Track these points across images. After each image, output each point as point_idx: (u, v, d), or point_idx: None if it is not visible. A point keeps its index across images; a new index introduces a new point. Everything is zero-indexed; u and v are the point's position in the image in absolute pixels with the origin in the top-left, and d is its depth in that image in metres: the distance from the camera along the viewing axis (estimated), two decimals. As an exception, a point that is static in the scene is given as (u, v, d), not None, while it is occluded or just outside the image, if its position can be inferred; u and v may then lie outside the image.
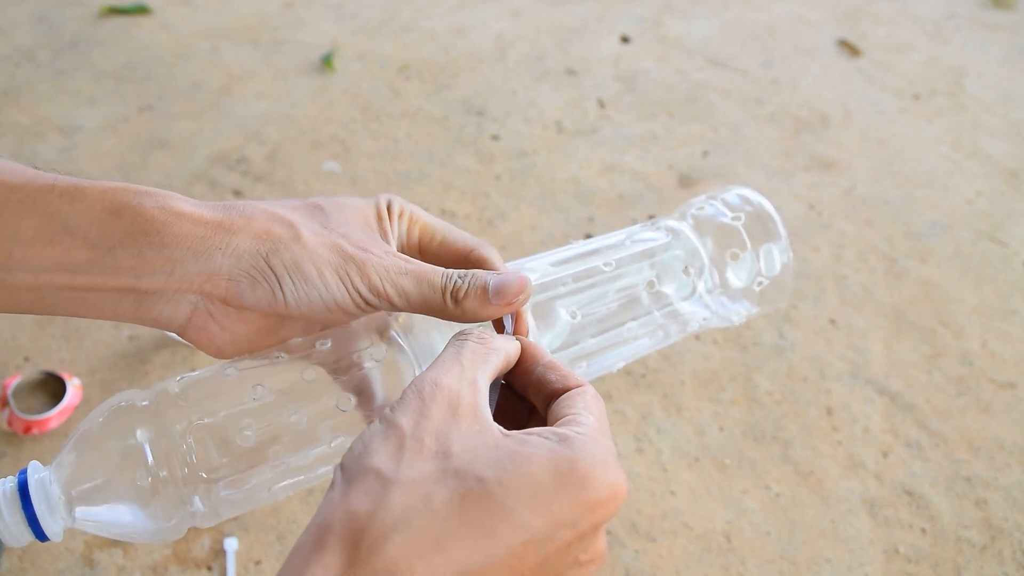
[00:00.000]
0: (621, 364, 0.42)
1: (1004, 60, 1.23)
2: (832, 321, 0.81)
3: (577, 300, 0.41)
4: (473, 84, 1.12)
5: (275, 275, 0.33)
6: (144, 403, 0.35)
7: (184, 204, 0.33)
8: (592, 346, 0.40)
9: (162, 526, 0.34)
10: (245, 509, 0.36)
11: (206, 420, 0.34)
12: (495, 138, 1.03)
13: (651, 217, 0.92)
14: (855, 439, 0.71)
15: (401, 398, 0.29)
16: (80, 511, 0.33)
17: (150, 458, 0.33)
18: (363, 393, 0.37)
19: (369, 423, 0.36)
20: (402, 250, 0.40)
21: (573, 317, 0.40)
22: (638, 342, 0.41)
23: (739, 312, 0.43)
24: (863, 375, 0.76)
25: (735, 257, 0.42)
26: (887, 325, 0.81)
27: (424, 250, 0.41)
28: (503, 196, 0.94)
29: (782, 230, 0.43)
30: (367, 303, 0.35)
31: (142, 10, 1.23)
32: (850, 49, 1.24)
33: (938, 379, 0.76)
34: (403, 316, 0.40)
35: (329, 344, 0.37)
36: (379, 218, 0.38)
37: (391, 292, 0.34)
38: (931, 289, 0.85)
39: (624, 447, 0.69)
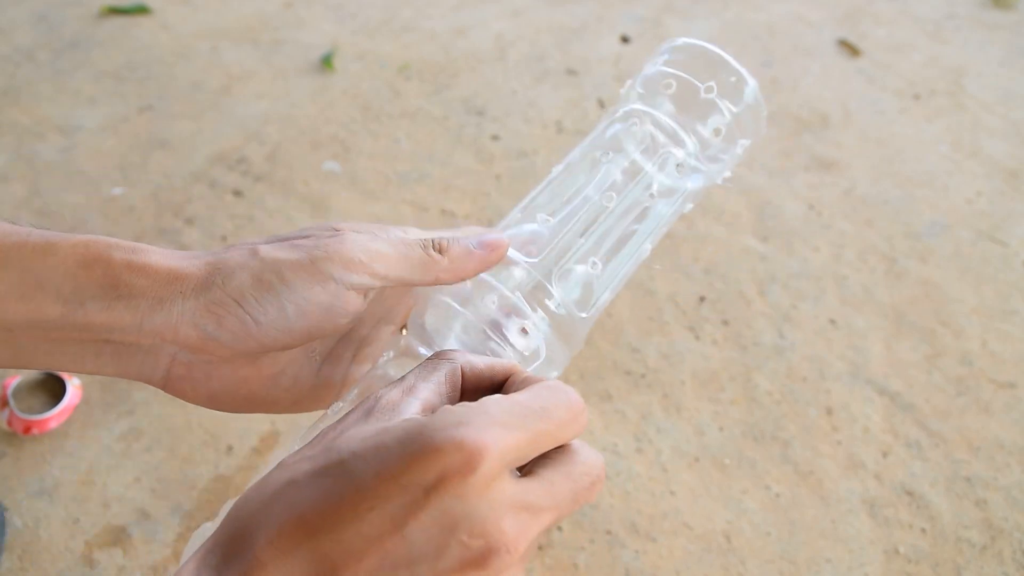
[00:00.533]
0: (648, 245, 0.41)
1: (1004, 60, 1.23)
2: (832, 321, 0.81)
3: (546, 209, 0.40)
4: (473, 84, 1.12)
5: (234, 300, 0.32)
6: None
7: (152, 256, 0.33)
8: (590, 242, 0.40)
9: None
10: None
11: None
12: (495, 138, 1.03)
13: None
14: (855, 439, 0.71)
15: None
16: None
17: None
18: None
19: None
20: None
21: (593, 268, 0.38)
22: (641, 215, 0.41)
23: (730, 155, 0.42)
24: (863, 375, 0.76)
25: (703, 98, 0.41)
26: (887, 325, 0.81)
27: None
28: (503, 196, 0.94)
29: (729, 59, 0.41)
30: (345, 286, 0.33)
31: (142, 10, 1.23)
32: (850, 49, 1.24)
33: (938, 379, 0.76)
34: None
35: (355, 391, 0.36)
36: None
37: (366, 260, 0.33)
38: (931, 289, 0.85)
39: (624, 447, 0.69)
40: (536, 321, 0.37)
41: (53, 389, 0.70)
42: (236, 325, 0.32)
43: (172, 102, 1.06)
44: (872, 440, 0.71)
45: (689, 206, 0.42)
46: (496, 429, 0.25)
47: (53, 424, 0.67)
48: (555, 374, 0.39)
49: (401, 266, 0.33)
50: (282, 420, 0.69)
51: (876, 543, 0.64)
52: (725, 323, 0.80)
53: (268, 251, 0.33)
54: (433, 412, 0.27)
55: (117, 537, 0.61)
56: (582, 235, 0.39)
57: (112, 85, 1.08)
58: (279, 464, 0.27)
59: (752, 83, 0.41)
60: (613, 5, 1.32)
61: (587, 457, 0.28)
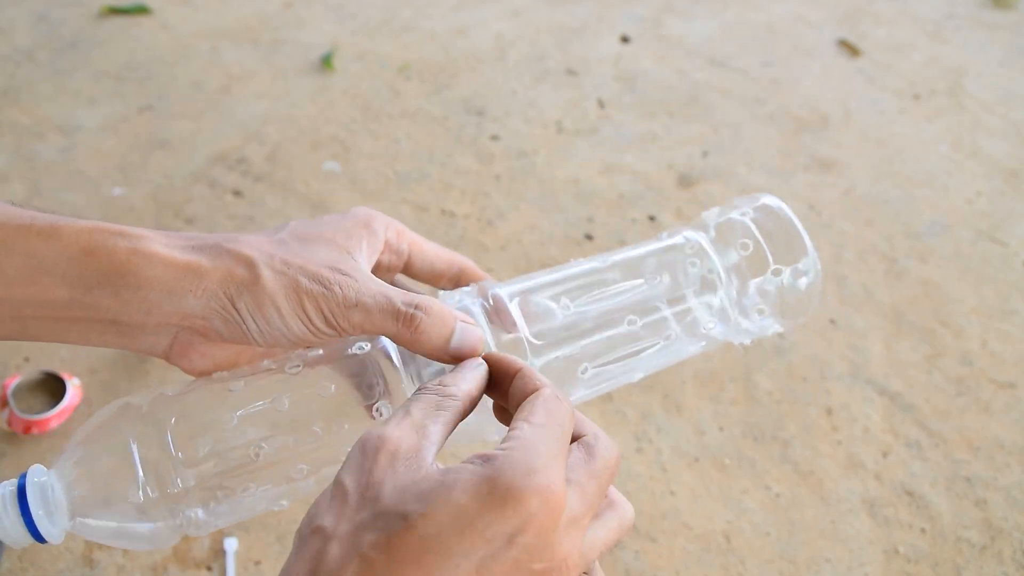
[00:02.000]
0: (639, 375, 0.41)
1: (1004, 60, 1.23)
2: (832, 321, 0.81)
3: (572, 296, 0.40)
4: (473, 84, 1.12)
5: (240, 316, 0.35)
6: (143, 409, 0.35)
7: (156, 245, 0.34)
8: (593, 346, 0.39)
9: (156, 535, 0.34)
10: (243, 518, 0.36)
11: (198, 432, 0.35)
12: (495, 138, 1.03)
13: (651, 218, 0.92)
14: (855, 439, 0.71)
15: (348, 456, 0.29)
16: (77, 518, 0.33)
17: (140, 472, 0.33)
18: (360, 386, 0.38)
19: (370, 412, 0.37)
20: (388, 261, 0.41)
21: (564, 308, 0.39)
22: (649, 348, 0.40)
23: (756, 328, 0.42)
24: (863, 375, 0.76)
25: (755, 269, 0.41)
26: (887, 325, 0.81)
27: (417, 261, 0.41)
28: (503, 196, 0.94)
29: (809, 245, 0.41)
30: (329, 334, 0.36)
31: (142, 10, 1.23)
32: (850, 49, 1.24)
33: (938, 379, 0.76)
34: None
35: (321, 351, 0.38)
36: (367, 231, 0.39)
37: (346, 326, 0.35)
38: (931, 289, 0.85)
39: (624, 447, 0.69)
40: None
41: (53, 389, 0.70)
42: (239, 332, 0.35)
43: (172, 102, 1.06)
44: (872, 440, 0.71)
45: (686, 347, 0.42)
46: (559, 468, 0.28)
47: (53, 424, 0.67)
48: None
49: (370, 324, 0.35)
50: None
51: (876, 543, 0.64)
52: (725, 323, 0.80)
53: (270, 283, 0.35)
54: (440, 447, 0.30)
55: (117, 537, 0.61)
56: (588, 337, 0.39)
57: (112, 85, 1.08)
58: (316, 531, 0.27)
59: (814, 277, 0.40)
60: (613, 5, 1.32)
61: (604, 450, 0.30)
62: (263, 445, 0.35)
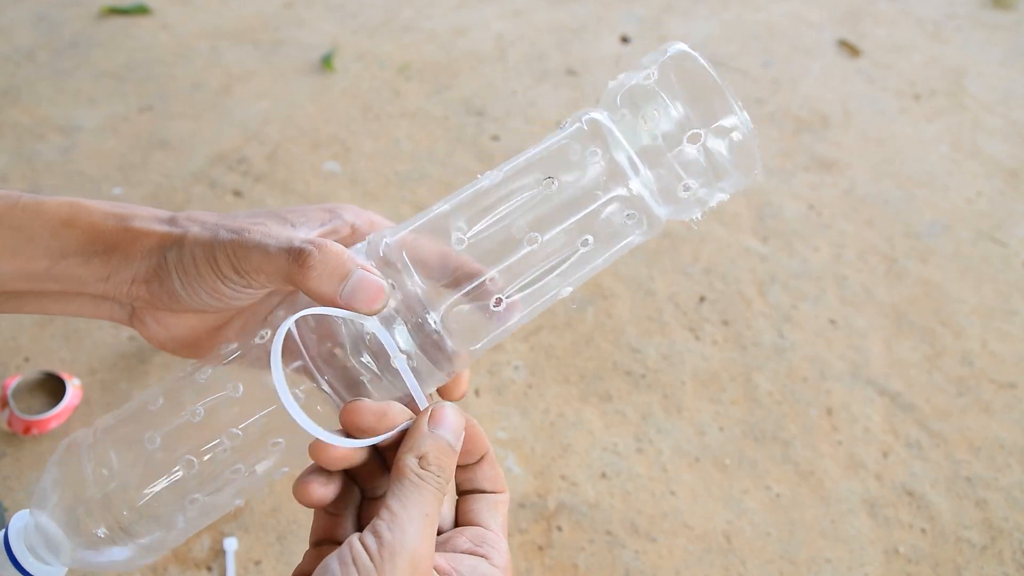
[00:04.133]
0: (567, 290, 0.36)
1: (1004, 60, 1.23)
2: (832, 321, 0.81)
3: (469, 222, 0.35)
4: (473, 84, 1.12)
5: (168, 272, 0.35)
6: (85, 443, 0.36)
7: (132, 215, 0.36)
8: (501, 275, 0.35)
9: (133, 557, 0.34)
10: (204, 524, 0.36)
11: (133, 459, 0.35)
12: (495, 138, 1.03)
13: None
14: (855, 439, 0.71)
15: (392, 562, 0.29)
16: (75, 552, 0.34)
17: (92, 508, 0.34)
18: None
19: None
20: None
21: (459, 243, 0.34)
22: (564, 261, 0.35)
23: (692, 201, 0.35)
24: (863, 375, 0.76)
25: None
26: (887, 325, 0.81)
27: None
28: (503, 196, 0.94)
29: (729, 95, 0.34)
30: (242, 286, 0.35)
31: (142, 10, 1.23)
32: (850, 49, 1.24)
33: (938, 379, 0.76)
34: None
35: (234, 346, 0.37)
36: (330, 210, 0.39)
37: (248, 268, 0.34)
38: (931, 289, 0.85)
39: (624, 447, 0.69)
40: (410, 352, 0.35)
41: (53, 389, 0.70)
42: (170, 292, 0.36)
43: (172, 102, 1.06)
44: (872, 440, 0.71)
45: (637, 241, 0.37)
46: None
47: (53, 424, 0.67)
48: (431, 390, 0.37)
49: (268, 268, 0.35)
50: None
51: (876, 543, 0.64)
52: (725, 323, 0.80)
53: (197, 235, 0.36)
54: None
55: (117, 537, 0.61)
56: (495, 264, 0.34)
57: (112, 85, 1.08)
58: None
59: (745, 127, 0.34)
60: (613, 5, 1.32)
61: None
62: (192, 459, 0.34)
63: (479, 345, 0.35)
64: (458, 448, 0.33)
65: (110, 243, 0.36)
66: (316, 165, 0.97)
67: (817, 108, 1.11)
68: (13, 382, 0.69)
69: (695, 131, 0.34)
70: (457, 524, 0.36)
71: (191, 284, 0.35)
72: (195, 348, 0.40)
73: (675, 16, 1.30)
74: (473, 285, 0.34)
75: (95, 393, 0.70)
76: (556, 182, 0.35)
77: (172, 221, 0.37)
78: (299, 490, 0.33)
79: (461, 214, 0.35)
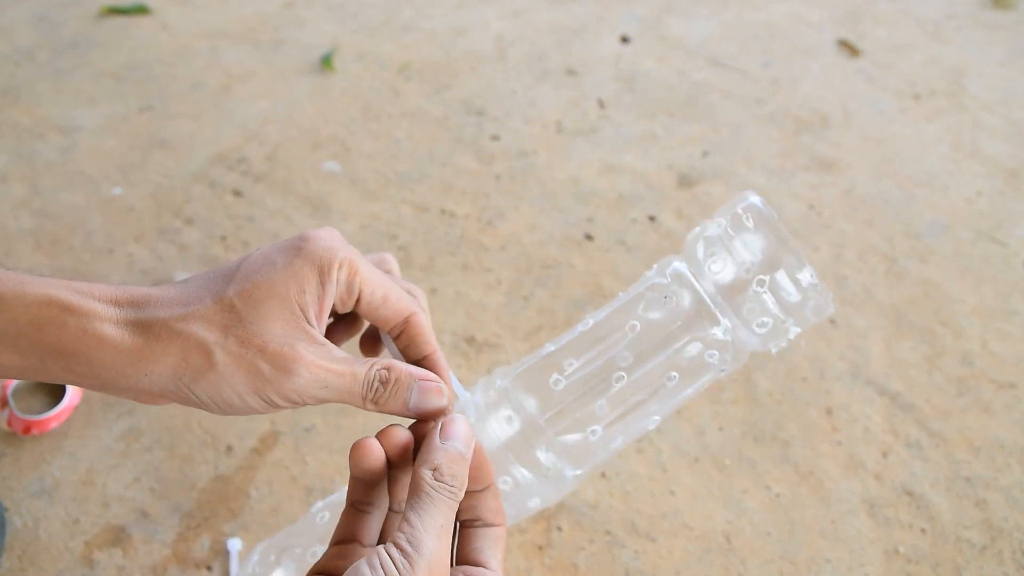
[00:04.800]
0: (655, 419, 0.41)
1: (1004, 60, 1.23)
2: (832, 321, 0.81)
3: (566, 366, 0.40)
4: (473, 84, 1.12)
5: (199, 400, 0.36)
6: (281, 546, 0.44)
7: (105, 326, 0.34)
8: (597, 409, 0.39)
9: None
10: None
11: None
12: (495, 138, 1.03)
13: (651, 218, 0.92)
14: (855, 439, 0.71)
15: (393, 561, 0.32)
16: None
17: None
18: None
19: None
20: (341, 302, 0.40)
21: (592, 435, 0.39)
22: (653, 395, 0.40)
23: (772, 335, 0.40)
24: (863, 375, 0.76)
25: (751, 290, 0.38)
26: (887, 325, 0.81)
27: (365, 304, 0.40)
28: (503, 196, 0.94)
29: (790, 241, 0.38)
30: (285, 407, 0.37)
31: (142, 10, 1.23)
32: (850, 49, 1.24)
33: (938, 379, 0.76)
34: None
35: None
36: (320, 278, 0.37)
37: (310, 401, 0.37)
38: (931, 289, 0.85)
39: (625, 447, 0.69)
40: (522, 474, 0.40)
41: (53, 389, 0.70)
42: (192, 403, 0.36)
43: (172, 102, 1.06)
44: (872, 440, 0.71)
45: (728, 370, 0.40)
46: None
47: (53, 424, 0.67)
48: (536, 502, 0.42)
49: (331, 394, 0.37)
50: (281, 420, 0.69)
51: (876, 543, 0.64)
52: (725, 323, 0.80)
53: (228, 369, 0.35)
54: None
55: (117, 537, 0.61)
56: (592, 399, 0.39)
57: (112, 85, 1.08)
58: None
59: (808, 272, 0.38)
60: (613, 5, 1.32)
61: None
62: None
63: (580, 471, 0.41)
64: (469, 454, 0.35)
65: (96, 359, 0.34)
66: (316, 165, 0.97)
67: (817, 108, 1.11)
68: (13, 382, 0.69)
69: (761, 276, 0.38)
70: (459, 559, 0.38)
71: (231, 409, 0.36)
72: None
73: (675, 16, 1.30)
74: (580, 414, 0.40)
75: (94, 393, 0.70)
76: (639, 325, 0.39)
77: (164, 333, 0.35)
78: (359, 447, 0.37)
79: (561, 357, 0.41)
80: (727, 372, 0.41)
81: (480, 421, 0.40)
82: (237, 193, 0.92)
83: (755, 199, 0.38)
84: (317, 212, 0.90)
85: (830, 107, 1.11)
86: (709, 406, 0.72)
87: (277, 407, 0.36)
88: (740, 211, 0.38)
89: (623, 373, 0.39)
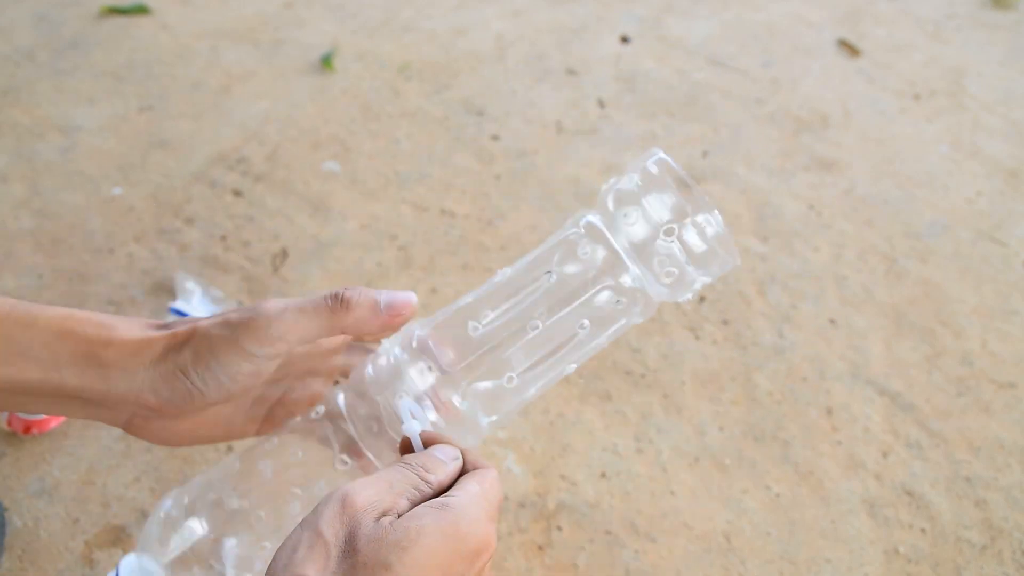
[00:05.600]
0: (571, 366, 0.43)
1: (1004, 60, 1.23)
2: (832, 321, 0.81)
3: (482, 314, 0.41)
4: (473, 84, 1.12)
5: (181, 371, 0.38)
6: (185, 499, 0.43)
7: (119, 331, 0.38)
8: (512, 356, 0.41)
9: None
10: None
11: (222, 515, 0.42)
12: (495, 138, 1.03)
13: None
14: (855, 439, 0.71)
15: (323, 507, 0.32)
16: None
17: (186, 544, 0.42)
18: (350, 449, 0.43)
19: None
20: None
21: (508, 382, 0.41)
22: (568, 342, 0.42)
23: (679, 286, 0.41)
24: (863, 375, 0.76)
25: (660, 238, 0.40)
26: (887, 325, 0.81)
27: (296, 340, 0.43)
28: (503, 196, 0.94)
29: (696, 192, 0.39)
30: (268, 356, 0.38)
31: (142, 10, 1.23)
32: (850, 49, 1.24)
33: (938, 379, 0.76)
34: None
35: (322, 409, 0.43)
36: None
37: (279, 333, 0.38)
38: (931, 289, 0.85)
39: (624, 447, 0.69)
40: (436, 420, 0.41)
41: (53, 389, 0.70)
42: (185, 391, 0.38)
43: (172, 102, 1.06)
44: (872, 440, 0.71)
45: (636, 321, 0.42)
46: (494, 524, 0.35)
47: (53, 424, 0.67)
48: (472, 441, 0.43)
49: (305, 322, 0.38)
50: (282, 420, 0.70)
51: (876, 543, 0.64)
52: (725, 323, 0.80)
53: (205, 327, 0.38)
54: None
55: (117, 537, 0.61)
56: (506, 348, 0.41)
57: (112, 85, 1.08)
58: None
59: (717, 223, 0.39)
60: (613, 5, 1.32)
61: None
62: (260, 513, 0.41)
63: (495, 417, 0.42)
64: (453, 467, 0.38)
65: (106, 357, 0.37)
66: (316, 165, 0.97)
67: (817, 108, 1.11)
68: (13, 382, 0.69)
69: (670, 226, 0.39)
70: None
71: (210, 373, 0.37)
72: (196, 440, 0.43)
73: (675, 16, 1.30)
74: (494, 362, 0.41)
75: (95, 393, 0.70)
76: (555, 275, 0.41)
77: (165, 326, 0.39)
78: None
79: (477, 307, 0.41)
80: (636, 321, 0.42)
81: (399, 373, 0.41)
82: (237, 193, 0.92)
83: (663, 155, 0.40)
84: (317, 212, 0.90)
85: (830, 107, 1.11)
86: (709, 406, 0.72)
87: (249, 355, 0.37)
88: (649, 165, 0.40)
89: (538, 322, 0.40)
